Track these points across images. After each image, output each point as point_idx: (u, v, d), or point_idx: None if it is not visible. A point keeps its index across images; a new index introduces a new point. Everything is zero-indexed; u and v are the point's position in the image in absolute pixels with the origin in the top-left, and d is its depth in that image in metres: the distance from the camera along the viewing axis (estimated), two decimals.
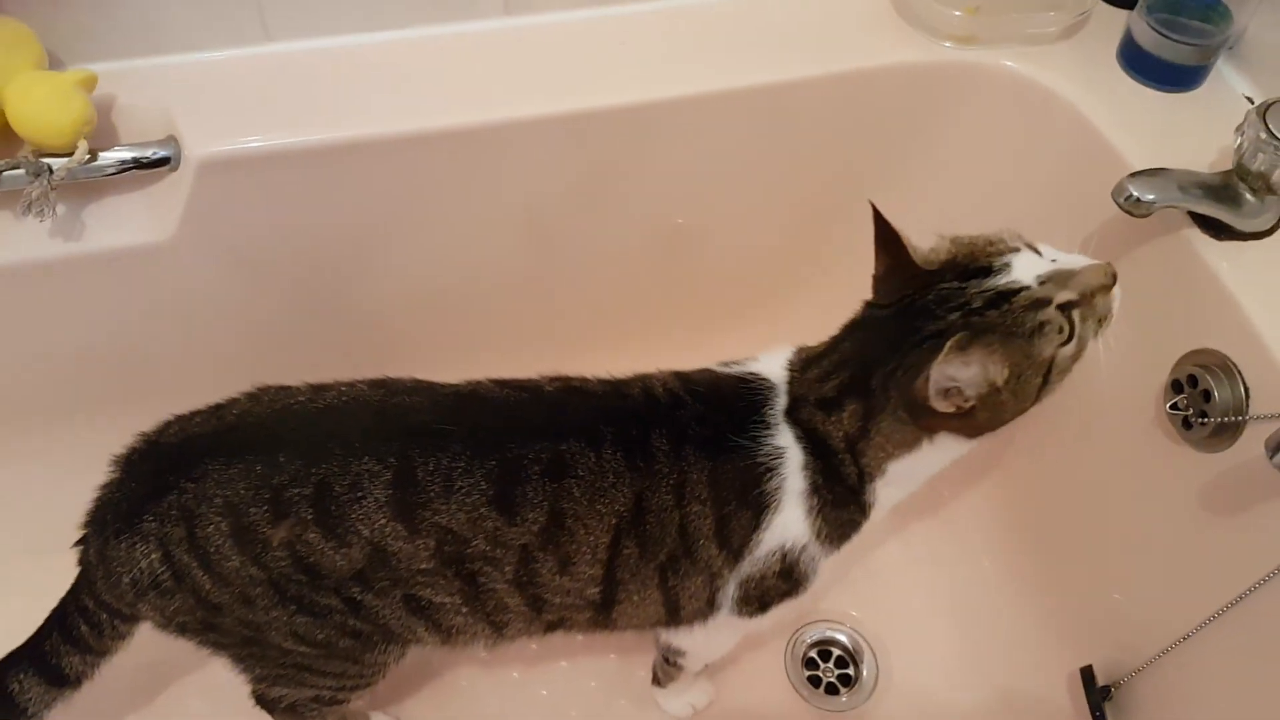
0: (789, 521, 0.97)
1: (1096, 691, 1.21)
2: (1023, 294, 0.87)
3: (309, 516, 0.92)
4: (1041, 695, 1.31)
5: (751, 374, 1.01)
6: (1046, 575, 1.37)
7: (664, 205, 1.44)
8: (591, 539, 0.96)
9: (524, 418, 0.98)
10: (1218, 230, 1.11)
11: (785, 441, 0.96)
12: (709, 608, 1.05)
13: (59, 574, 1.06)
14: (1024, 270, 0.89)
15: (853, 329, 0.98)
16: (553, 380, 1.01)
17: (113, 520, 0.96)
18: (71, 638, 1.07)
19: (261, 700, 1.18)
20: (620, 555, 0.97)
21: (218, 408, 0.98)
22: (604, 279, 1.51)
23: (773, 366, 1.01)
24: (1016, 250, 0.91)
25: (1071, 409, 1.25)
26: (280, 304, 1.30)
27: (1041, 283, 0.88)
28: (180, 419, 0.99)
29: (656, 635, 1.22)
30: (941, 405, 0.87)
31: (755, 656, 1.43)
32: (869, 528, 1.02)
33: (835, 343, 0.99)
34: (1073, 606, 1.34)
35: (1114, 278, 0.91)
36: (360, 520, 0.92)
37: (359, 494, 0.92)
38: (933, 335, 0.88)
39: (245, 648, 1.05)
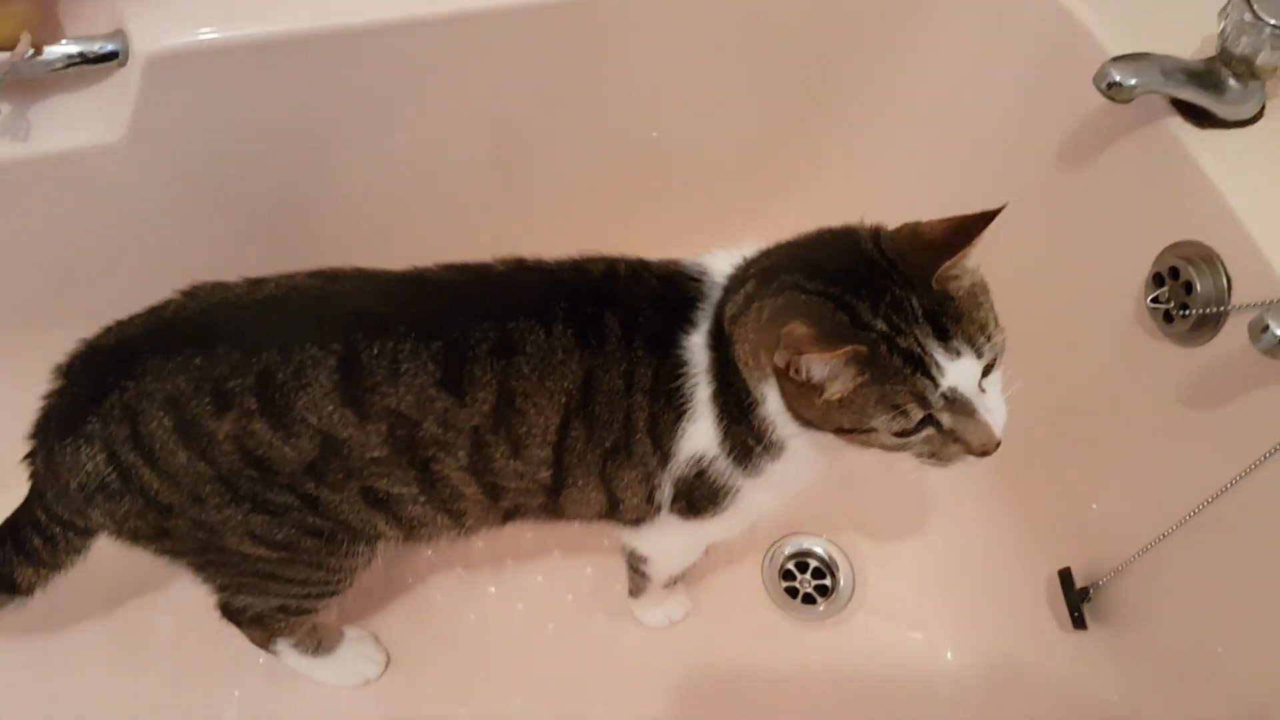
0: (701, 429, 0.95)
1: (1075, 593, 1.20)
2: (930, 385, 0.80)
3: (253, 407, 0.89)
4: (1019, 599, 1.31)
5: (701, 269, 0.97)
6: (1024, 481, 1.35)
7: (637, 117, 1.40)
8: (542, 419, 0.93)
9: (471, 298, 0.95)
10: (1200, 118, 1.08)
11: (700, 341, 0.93)
12: (648, 505, 1.03)
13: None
14: (955, 374, 0.80)
15: (817, 237, 0.91)
16: (504, 261, 0.98)
17: (56, 427, 0.94)
18: (25, 551, 1.05)
19: (226, 611, 1.16)
20: (569, 438, 0.95)
21: (154, 308, 0.96)
22: (578, 194, 1.47)
23: (723, 263, 0.97)
24: (979, 354, 0.81)
25: (1049, 309, 1.23)
26: (237, 209, 1.26)
27: (946, 399, 0.81)
28: (119, 323, 0.96)
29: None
30: (778, 354, 0.80)
31: (732, 569, 1.42)
32: (792, 475, 0.98)
33: (792, 243, 0.93)
34: (1050, 511, 1.32)
35: (985, 453, 0.84)
36: (307, 408, 0.90)
37: (303, 381, 0.89)
38: (851, 309, 0.81)
39: (203, 555, 1.03)
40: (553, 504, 1.03)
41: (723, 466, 0.97)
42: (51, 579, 1.09)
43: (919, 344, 0.80)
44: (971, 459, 0.85)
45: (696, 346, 0.93)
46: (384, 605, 1.38)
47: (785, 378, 0.84)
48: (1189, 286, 1.03)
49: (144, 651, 1.32)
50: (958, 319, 0.81)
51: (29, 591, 1.09)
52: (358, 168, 1.29)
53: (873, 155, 1.46)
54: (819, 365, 0.79)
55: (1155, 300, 1.08)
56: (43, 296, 1.25)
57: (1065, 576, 1.22)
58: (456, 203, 1.39)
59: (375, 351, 0.90)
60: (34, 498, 1.03)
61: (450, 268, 0.97)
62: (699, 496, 1.00)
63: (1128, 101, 1.04)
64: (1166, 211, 1.09)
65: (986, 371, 0.83)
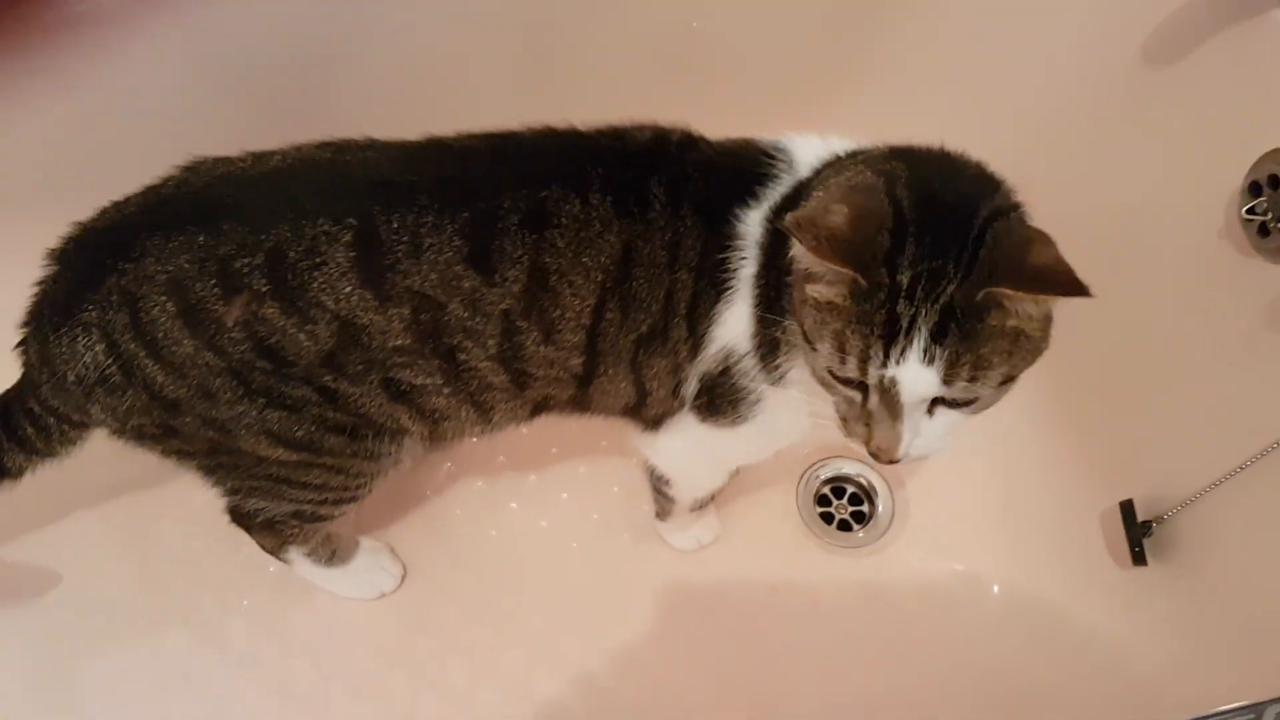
0: (737, 315, 0.87)
1: (1137, 527, 1.13)
2: (878, 359, 0.72)
3: (264, 289, 0.82)
4: (1074, 532, 1.23)
5: (780, 147, 0.89)
6: (1084, 405, 1.27)
7: (675, 6, 1.30)
8: (577, 301, 0.87)
9: (498, 165, 0.87)
10: None
11: (759, 216, 0.85)
12: (673, 399, 0.97)
13: None
14: (907, 374, 0.72)
15: (963, 164, 0.81)
16: (533, 128, 0.90)
17: (51, 314, 0.88)
18: (16, 437, 1.00)
19: (236, 516, 1.11)
20: (603, 321, 0.89)
21: (151, 187, 0.89)
22: (612, 84, 1.37)
23: (813, 147, 0.89)
24: (947, 381, 0.72)
25: (1126, 220, 1.15)
26: (246, 85, 1.18)
27: (880, 384, 0.73)
28: (115, 204, 0.89)
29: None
30: (803, 234, 0.71)
31: (766, 493, 1.36)
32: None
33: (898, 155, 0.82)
34: (1112, 439, 1.24)
35: (875, 457, 0.77)
36: (323, 290, 0.83)
37: (317, 260, 0.82)
38: (901, 242, 0.71)
39: (213, 457, 0.97)
40: (581, 395, 0.97)
41: (749, 366, 0.90)
42: (42, 465, 1.03)
43: (910, 322, 0.70)
44: (863, 452, 0.79)
45: (753, 221, 0.85)
46: (401, 518, 1.33)
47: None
48: None
49: (146, 557, 1.28)
50: (965, 338, 0.70)
51: (17, 475, 1.03)
52: (377, 43, 1.22)
53: (937, 46, 1.35)
54: (812, 259, 0.71)
55: (1250, 211, 1.00)
56: (35, 177, 1.17)
57: (1127, 509, 1.15)
58: (483, 87, 1.31)
59: (395, 225, 0.83)
60: (26, 388, 0.97)
61: (473, 136, 0.90)
62: (720, 395, 0.94)
63: None
64: (1267, 114, 1.00)
65: (948, 405, 0.75)
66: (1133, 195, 1.15)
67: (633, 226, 0.85)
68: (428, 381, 0.91)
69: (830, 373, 0.76)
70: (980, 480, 1.33)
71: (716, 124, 1.33)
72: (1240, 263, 1.02)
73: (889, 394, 0.73)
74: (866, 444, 0.77)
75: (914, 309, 0.70)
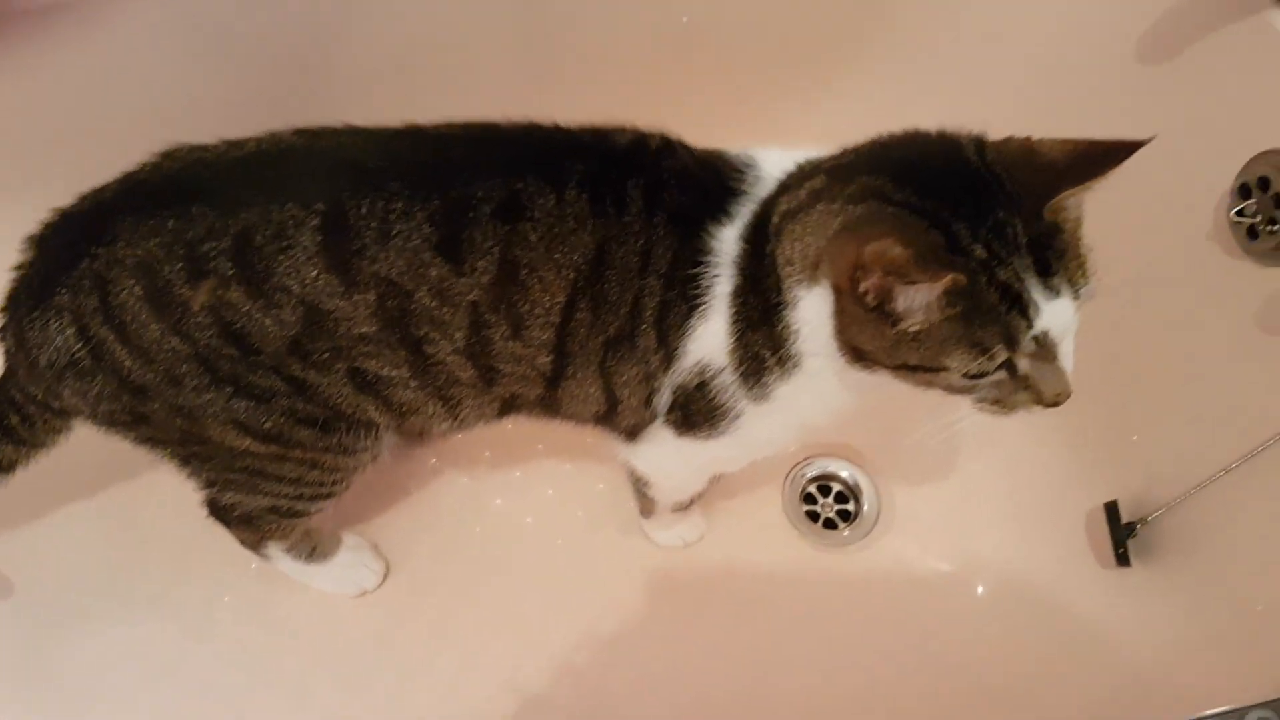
0: (712, 330, 0.86)
1: (1121, 528, 1.12)
2: (1023, 326, 0.71)
3: (230, 273, 0.82)
4: (1058, 532, 1.23)
5: (749, 161, 0.88)
6: (1071, 405, 1.24)
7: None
8: (546, 297, 0.85)
9: (474, 153, 0.86)
10: None
11: (733, 234, 0.84)
12: (645, 409, 0.95)
13: None
14: (1051, 316, 0.72)
15: (909, 139, 0.79)
16: (515, 121, 0.89)
17: (26, 299, 0.87)
18: (2, 427, 0.99)
19: (214, 509, 1.10)
20: (574, 320, 0.87)
21: (128, 173, 0.88)
22: (602, 80, 1.36)
23: (777, 160, 0.87)
24: (1077, 295, 0.73)
25: (1113, 219, 1.13)
26: (239, 71, 1.18)
27: (1035, 343, 0.72)
28: (94, 190, 0.89)
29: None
30: (916, 272, 0.67)
31: (752, 491, 1.35)
32: (801, 406, 0.88)
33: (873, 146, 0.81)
34: (1097, 439, 1.23)
35: (1056, 404, 0.77)
36: (288, 274, 0.82)
37: (284, 244, 0.81)
38: (948, 229, 0.70)
39: (185, 446, 0.96)
40: (550, 397, 0.96)
41: (727, 382, 0.88)
42: (32, 458, 1.03)
43: (1019, 278, 0.70)
44: (1037, 409, 0.77)
45: (727, 238, 0.84)
46: (384, 513, 1.32)
47: (853, 302, 0.73)
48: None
49: (131, 544, 1.27)
50: (1062, 254, 0.71)
51: (9, 469, 1.03)
52: (370, 35, 1.20)
53: (930, 46, 1.34)
54: (910, 294, 0.69)
55: (1239, 213, 0.99)
56: (20, 159, 1.16)
57: (1111, 510, 1.14)
58: (473, 76, 1.29)
59: (364, 210, 0.82)
60: (8, 376, 0.96)
61: (452, 124, 0.88)
62: (695, 412, 0.92)
63: None
64: (1259, 115, 1.00)
65: None
66: (1121, 195, 1.14)
67: (607, 227, 0.84)
68: (394, 373, 0.90)
69: (972, 376, 0.74)
70: (966, 480, 1.32)
71: (708, 117, 1.33)
72: (1229, 265, 1.02)
73: (1043, 345, 0.73)
74: (1041, 402, 0.76)
75: (1010, 266, 0.70)
